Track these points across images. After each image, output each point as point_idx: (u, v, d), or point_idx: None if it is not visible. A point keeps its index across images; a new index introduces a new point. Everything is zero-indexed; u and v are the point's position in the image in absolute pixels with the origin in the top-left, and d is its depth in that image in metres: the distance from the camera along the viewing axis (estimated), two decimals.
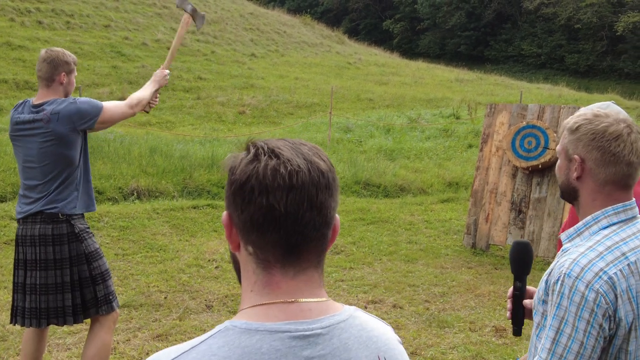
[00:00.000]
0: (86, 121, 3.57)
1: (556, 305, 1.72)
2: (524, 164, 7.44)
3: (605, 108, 2.44)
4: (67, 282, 3.58)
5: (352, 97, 22.14)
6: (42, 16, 23.46)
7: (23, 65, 19.27)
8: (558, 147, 1.93)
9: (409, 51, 48.80)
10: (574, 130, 1.85)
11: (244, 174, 1.05)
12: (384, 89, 24.05)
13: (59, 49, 3.66)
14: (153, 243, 7.29)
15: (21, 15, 23.00)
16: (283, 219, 1.04)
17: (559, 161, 1.93)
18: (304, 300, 1.08)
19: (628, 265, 1.73)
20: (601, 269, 1.70)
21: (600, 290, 1.67)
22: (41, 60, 3.58)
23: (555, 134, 7.30)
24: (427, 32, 51.60)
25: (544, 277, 1.83)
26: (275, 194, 1.03)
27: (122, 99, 15.92)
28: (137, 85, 19.70)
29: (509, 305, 2.09)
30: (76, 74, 3.72)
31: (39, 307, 3.57)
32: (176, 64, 22.38)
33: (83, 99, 3.60)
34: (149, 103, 4.15)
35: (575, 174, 1.85)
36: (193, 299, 5.76)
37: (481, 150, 8.11)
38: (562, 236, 1.89)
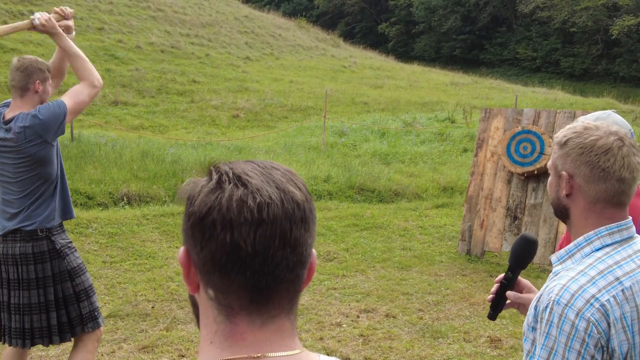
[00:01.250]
0: (54, 132, 3.40)
1: (545, 334, 1.60)
2: (519, 169, 7.34)
3: (605, 117, 2.33)
4: (51, 301, 3.48)
5: (347, 100, 22.03)
6: None
7: None
8: (549, 163, 1.81)
9: (404, 54, 48.71)
10: (563, 144, 1.73)
11: (204, 205, 0.90)
12: (379, 93, 23.95)
13: (32, 56, 3.50)
14: (142, 250, 7.15)
15: (14, 17, 22.83)
16: (250, 259, 0.89)
17: (550, 177, 1.81)
18: (273, 354, 0.93)
19: (622, 291, 1.61)
20: (593, 296, 1.58)
21: (592, 318, 1.56)
22: (14, 69, 3.42)
23: (550, 140, 7.20)
24: (423, 35, 51.55)
25: (533, 302, 1.71)
26: (241, 229, 0.88)
27: (115, 102, 15.60)
28: (130, 88, 19.57)
29: (493, 289, 2.02)
30: (51, 82, 3.55)
31: (24, 328, 3.47)
32: (170, 67, 22.27)
33: (44, 107, 3.40)
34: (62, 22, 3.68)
35: (564, 191, 1.73)
36: (181, 308, 5.63)
37: (476, 155, 8.00)
38: (553, 258, 1.77)
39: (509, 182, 7.60)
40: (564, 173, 1.72)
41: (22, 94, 3.43)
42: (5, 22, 22.14)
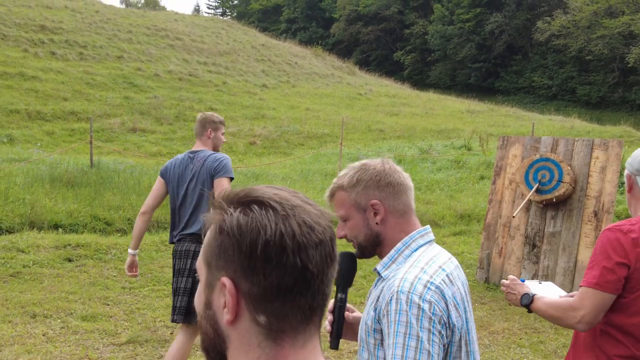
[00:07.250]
0: (215, 173, 4.31)
1: (396, 322, 1.74)
2: (537, 197, 7.30)
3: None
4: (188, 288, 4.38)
5: (363, 127, 22.12)
6: (55, 47, 23.71)
7: (35, 96, 19.40)
8: (342, 212, 1.97)
9: (420, 82, 48.96)
10: (355, 184, 1.95)
11: (273, 233, 0.92)
12: (395, 120, 24.03)
13: (209, 113, 4.63)
14: (160, 276, 7.18)
15: (35, 46, 23.25)
16: (313, 280, 0.95)
17: (350, 222, 1.96)
18: None
19: (447, 275, 1.84)
20: (428, 281, 1.78)
21: (432, 299, 1.74)
22: (196, 121, 4.62)
23: (569, 167, 7.18)
24: (438, 63, 51.81)
25: (369, 309, 1.85)
26: (308, 252, 0.93)
27: (134, 129, 16.00)
28: (148, 115, 19.79)
29: (329, 317, 2.02)
30: (224, 131, 4.63)
31: (180, 306, 4.31)
32: (188, 95, 22.52)
33: (228, 163, 4.38)
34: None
35: (378, 218, 1.92)
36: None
37: (494, 183, 7.99)
38: (378, 266, 1.94)
39: (528, 210, 7.57)
40: (372, 201, 1.95)
41: (200, 138, 4.56)
42: (26, 50, 22.55)
